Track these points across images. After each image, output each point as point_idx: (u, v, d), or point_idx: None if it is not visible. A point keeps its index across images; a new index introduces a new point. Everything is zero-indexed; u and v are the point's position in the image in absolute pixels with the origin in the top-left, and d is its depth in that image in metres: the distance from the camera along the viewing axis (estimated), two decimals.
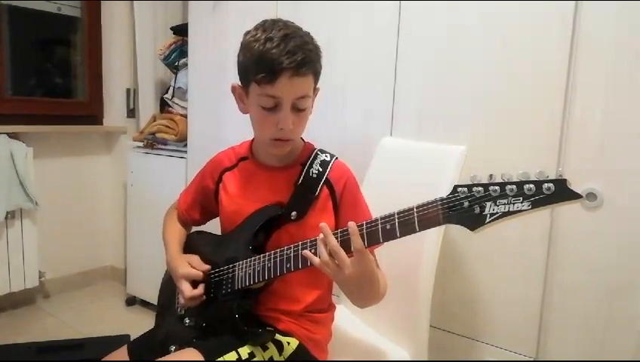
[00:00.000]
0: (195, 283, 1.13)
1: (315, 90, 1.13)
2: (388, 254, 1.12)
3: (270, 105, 1.06)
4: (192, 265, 1.15)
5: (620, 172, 1.32)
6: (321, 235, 0.95)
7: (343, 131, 1.85)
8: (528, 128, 1.45)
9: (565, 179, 0.74)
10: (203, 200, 1.31)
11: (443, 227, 1.29)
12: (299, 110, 1.08)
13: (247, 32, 1.09)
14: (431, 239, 1.32)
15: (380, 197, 1.23)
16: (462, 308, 1.61)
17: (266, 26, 1.06)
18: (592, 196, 1.34)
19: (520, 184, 0.76)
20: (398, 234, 0.88)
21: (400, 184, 1.47)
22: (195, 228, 1.36)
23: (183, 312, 1.18)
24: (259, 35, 1.04)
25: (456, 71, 1.58)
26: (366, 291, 1.05)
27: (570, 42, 1.37)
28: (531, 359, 1.49)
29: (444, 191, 0.84)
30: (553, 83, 1.40)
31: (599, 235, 1.36)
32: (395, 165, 1.57)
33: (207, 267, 1.15)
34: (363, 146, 1.70)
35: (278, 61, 1.00)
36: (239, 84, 1.13)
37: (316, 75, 1.09)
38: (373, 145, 1.66)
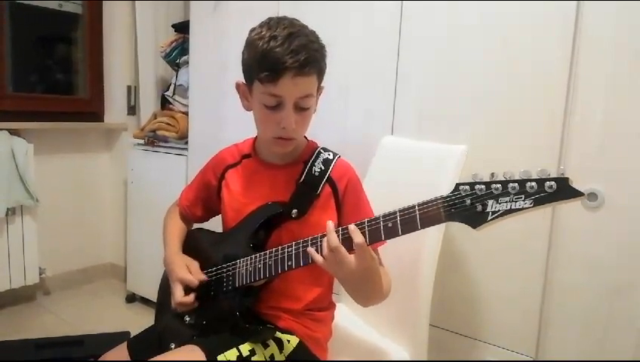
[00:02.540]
0: (189, 289, 1.13)
1: (320, 88, 1.12)
2: (388, 252, 1.13)
3: (273, 104, 1.06)
4: (190, 271, 1.14)
5: (620, 172, 1.33)
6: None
7: (343, 130, 1.85)
8: (529, 128, 1.45)
9: (567, 178, 0.74)
10: (205, 196, 1.31)
11: (444, 226, 1.29)
12: (302, 109, 1.07)
13: (253, 29, 1.08)
14: (431, 238, 1.32)
15: (381, 197, 1.23)
16: (462, 307, 1.62)
17: (271, 23, 1.05)
18: (592, 196, 1.35)
19: (522, 182, 0.76)
20: (400, 232, 0.89)
21: (400, 183, 1.48)
22: (196, 225, 1.36)
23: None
24: (263, 32, 1.04)
25: (456, 71, 1.58)
26: (369, 289, 1.06)
27: (571, 42, 1.37)
28: (531, 358, 1.50)
29: (444, 191, 0.84)
30: (553, 83, 1.41)
31: (600, 235, 1.36)
32: (395, 164, 1.57)
33: (203, 277, 1.14)
34: (364, 146, 1.70)
35: (282, 60, 1.00)
36: (243, 81, 1.13)
37: (320, 74, 1.09)
38: (374, 145, 1.66)
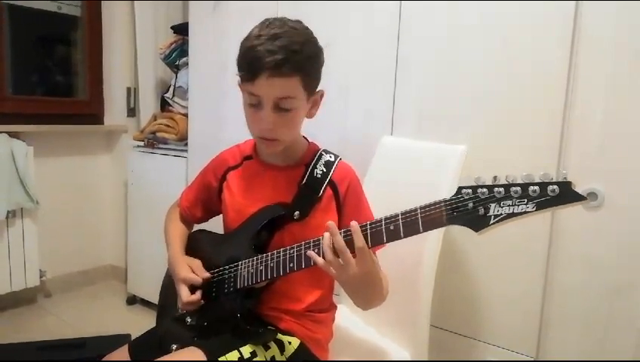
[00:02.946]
0: (194, 288, 1.13)
1: (314, 92, 1.11)
2: (389, 254, 1.12)
3: (254, 103, 1.07)
4: (193, 270, 1.15)
5: (620, 172, 1.33)
6: (326, 234, 0.94)
7: (343, 131, 1.85)
8: (528, 128, 1.46)
9: (570, 182, 0.74)
10: (205, 198, 1.31)
11: (444, 227, 1.29)
12: (283, 110, 1.06)
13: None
14: (432, 239, 1.32)
15: (381, 196, 1.23)
16: (462, 308, 1.62)
17: (266, 23, 1.06)
18: (592, 196, 1.35)
19: (524, 186, 0.76)
20: (402, 235, 0.89)
21: (400, 183, 1.48)
22: (197, 227, 1.36)
23: (184, 311, 1.18)
24: (255, 31, 1.04)
25: (456, 71, 1.58)
26: (369, 292, 1.06)
27: (571, 42, 1.38)
28: (531, 359, 1.50)
29: (444, 191, 0.85)
30: (553, 83, 1.41)
31: (600, 235, 1.37)
32: (395, 164, 1.57)
33: (207, 275, 1.14)
34: (364, 146, 1.70)
35: (258, 59, 1.00)
36: None
37: (306, 77, 1.06)
38: (374, 145, 1.66)
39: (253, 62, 1.01)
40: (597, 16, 1.34)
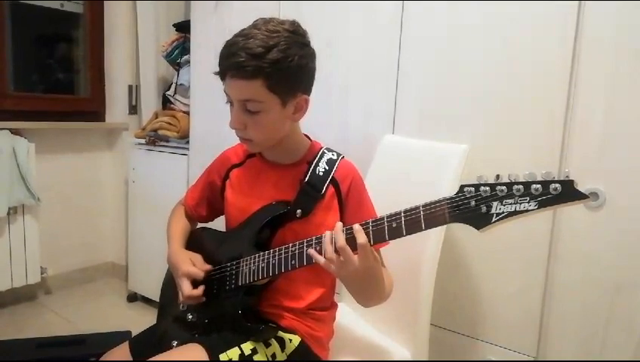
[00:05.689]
0: (196, 283, 1.13)
1: (292, 97, 1.07)
2: (389, 251, 1.13)
3: (229, 100, 1.09)
4: (195, 264, 1.15)
5: (621, 172, 1.33)
6: (327, 233, 0.95)
7: (345, 130, 1.86)
8: (529, 128, 1.46)
9: (572, 180, 0.74)
10: (210, 196, 1.31)
11: (445, 225, 1.30)
12: (250, 112, 1.05)
13: None
14: (433, 237, 1.32)
15: (382, 195, 1.23)
16: (463, 307, 1.62)
17: (256, 21, 1.06)
18: (593, 195, 1.35)
19: (527, 184, 0.76)
20: (404, 233, 0.89)
21: (401, 182, 1.48)
22: (200, 225, 1.36)
23: (185, 308, 1.18)
24: (241, 30, 1.05)
25: (457, 70, 1.58)
26: (371, 289, 1.06)
27: (573, 42, 1.38)
28: (532, 358, 1.50)
29: (445, 189, 0.85)
30: (554, 83, 1.41)
31: (601, 234, 1.37)
32: (396, 163, 1.57)
33: (208, 267, 1.14)
34: (365, 144, 1.71)
35: (224, 60, 1.03)
36: None
37: (270, 82, 1.02)
38: (375, 144, 1.67)
39: (220, 61, 1.04)
40: (597, 16, 1.34)
